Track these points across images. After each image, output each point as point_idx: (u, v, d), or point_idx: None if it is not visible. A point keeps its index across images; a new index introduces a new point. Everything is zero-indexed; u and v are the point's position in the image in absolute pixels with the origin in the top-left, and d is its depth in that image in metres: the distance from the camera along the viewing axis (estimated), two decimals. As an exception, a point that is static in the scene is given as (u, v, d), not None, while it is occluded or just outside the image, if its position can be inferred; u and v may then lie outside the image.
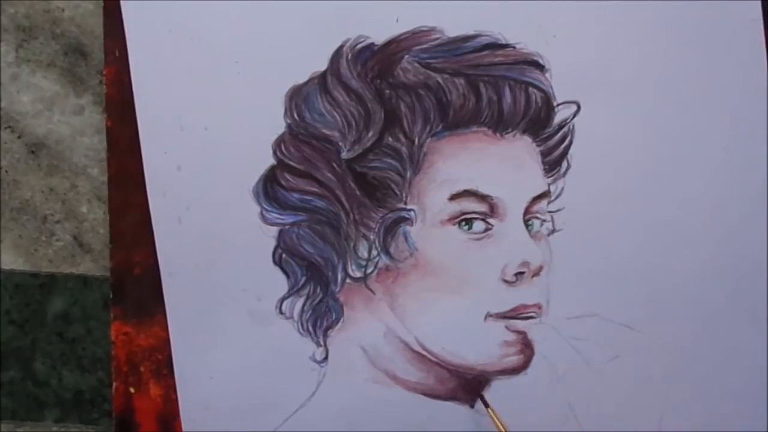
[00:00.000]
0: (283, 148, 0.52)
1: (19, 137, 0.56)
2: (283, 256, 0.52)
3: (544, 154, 0.52)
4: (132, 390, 0.55)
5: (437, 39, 0.51)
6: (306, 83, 0.51)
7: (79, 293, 0.57)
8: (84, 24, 0.55)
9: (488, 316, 0.52)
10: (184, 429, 0.54)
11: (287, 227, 0.52)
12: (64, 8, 0.55)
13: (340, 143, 0.51)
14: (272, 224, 0.52)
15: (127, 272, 0.54)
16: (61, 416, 0.58)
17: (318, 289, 0.53)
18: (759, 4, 0.51)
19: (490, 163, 0.51)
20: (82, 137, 0.56)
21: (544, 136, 0.52)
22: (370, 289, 0.52)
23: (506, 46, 0.51)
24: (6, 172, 0.56)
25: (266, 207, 0.52)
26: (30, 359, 0.58)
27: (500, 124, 0.51)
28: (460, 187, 0.51)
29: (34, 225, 0.57)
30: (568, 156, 0.52)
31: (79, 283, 0.57)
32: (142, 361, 0.54)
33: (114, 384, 0.55)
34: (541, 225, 0.52)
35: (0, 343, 0.58)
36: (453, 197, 0.51)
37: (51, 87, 0.56)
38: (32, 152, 0.56)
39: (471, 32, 0.51)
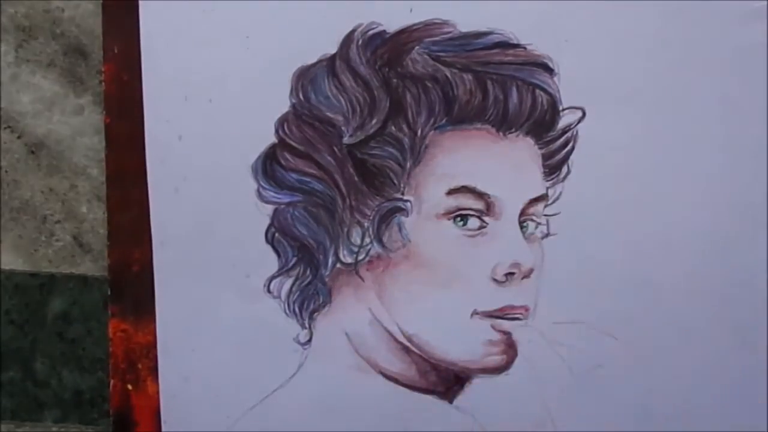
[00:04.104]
0: (285, 127, 0.52)
1: (19, 137, 0.56)
2: (276, 235, 0.52)
3: (546, 158, 0.52)
4: (129, 387, 0.55)
5: (449, 33, 0.51)
6: (314, 65, 0.51)
7: (78, 293, 0.57)
8: (84, 24, 0.55)
9: (475, 313, 0.52)
10: (162, 400, 0.54)
11: (282, 207, 0.52)
12: (64, 8, 0.55)
13: (342, 128, 0.51)
14: (268, 202, 0.52)
15: (126, 270, 0.54)
16: (61, 416, 0.58)
17: (308, 272, 0.53)
18: (765, 28, 0.51)
19: (491, 161, 0.51)
20: (82, 137, 0.56)
21: (547, 139, 0.52)
22: (360, 276, 0.52)
23: (517, 46, 0.51)
24: (6, 172, 0.57)
25: (263, 185, 0.52)
26: (30, 359, 0.58)
27: (504, 124, 0.51)
28: (459, 183, 0.51)
29: (33, 225, 0.57)
30: (569, 161, 0.52)
31: (79, 283, 0.57)
32: (139, 358, 0.54)
33: (111, 381, 0.55)
34: (536, 228, 0.52)
35: (0, 343, 0.58)
36: (450, 192, 0.51)
37: (51, 87, 0.56)
38: (32, 152, 0.56)
39: (483, 29, 0.51)
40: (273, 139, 0.52)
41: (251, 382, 0.54)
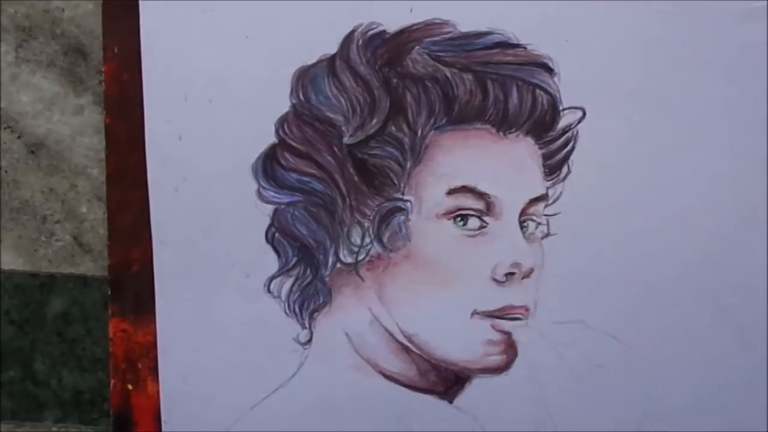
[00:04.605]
0: (285, 127, 0.52)
1: (19, 137, 0.56)
2: (276, 235, 0.52)
3: (546, 158, 0.52)
4: (130, 387, 0.55)
5: (449, 33, 0.51)
6: (314, 65, 0.51)
7: (78, 293, 0.57)
8: (84, 24, 0.55)
9: (475, 313, 0.52)
10: (162, 400, 0.54)
11: (283, 207, 0.52)
12: (64, 8, 0.55)
13: (342, 128, 0.51)
14: (268, 202, 0.52)
15: (126, 269, 0.54)
16: (61, 416, 0.58)
17: (308, 271, 0.53)
18: (765, 28, 0.51)
19: (491, 161, 0.51)
20: (82, 137, 0.56)
21: (547, 139, 0.52)
22: (360, 276, 0.52)
23: (517, 46, 0.51)
24: (6, 172, 0.56)
25: (264, 185, 0.52)
26: (30, 359, 0.58)
27: (504, 124, 0.51)
28: (459, 183, 0.51)
29: (33, 225, 0.57)
30: (569, 161, 0.52)
31: (79, 283, 0.57)
32: (139, 357, 0.54)
33: (111, 381, 0.55)
34: (536, 228, 0.52)
35: (0, 343, 0.58)
36: (451, 192, 0.51)
37: (51, 87, 0.56)
38: (32, 152, 0.56)
39: (483, 29, 0.51)
40: (273, 139, 0.52)
41: (251, 382, 0.54)
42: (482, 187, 0.51)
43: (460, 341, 0.52)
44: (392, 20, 0.51)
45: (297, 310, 0.53)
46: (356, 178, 0.51)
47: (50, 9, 0.56)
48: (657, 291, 0.53)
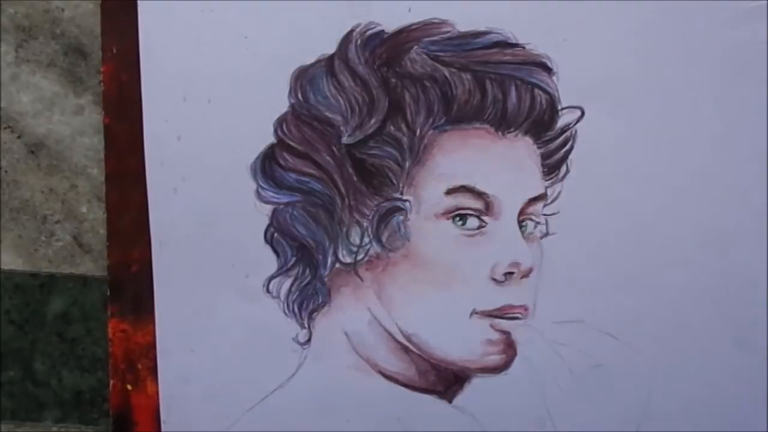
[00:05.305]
0: (284, 127, 0.52)
1: (18, 137, 0.56)
2: (275, 235, 0.52)
3: (544, 157, 0.52)
4: (129, 387, 0.55)
5: (448, 32, 0.51)
6: (313, 65, 0.51)
7: (78, 293, 0.57)
8: (83, 24, 0.55)
9: (474, 313, 0.51)
10: (161, 400, 0.54)
11: (281, 207, 0.52)
12: (64, 8, 0.55)
13: (341, 128, 0.51)
14: (267, 202, 0.52)
15: (125, 270, 0.54)
16: (61, 416, 0.58)
17: (307, 271, 0.53)
18: (765, 28, 0.51)
19: (490, 161, 0.51)
20: (81, 137, 0.56)
21: (546, 138, 0.52)
22: (359, 276, 0.52)
23: (516, 45, 0.51)
24: (6, 172, 0.56)
25: (262, 185, 0.52)
26: (30, 359, 0.58)
27: (503, 123, 0.51)
28: (458, 182, 0.51)
29: (33, 225, 0.57)
30: (568, 161, 0.52)
31: (79, 283, 0.57)
32: (139, 358, 0.54)
33: (111, 381, 0.55)
34: (535, 227, 0.52)
35: (0, 343, 0.58)
36: (449, 191, 0.51)
37: (51, 87, 0.56)
38: (32, 152, 0.56)
39: (482, 29, 0.51)
40: (272, 139, 0.52)
41: (250, 382, 0.54)
42: (481, 187, 0.51)
43: (460, 341, 0.52)
44: (390, 20, 0.51)
45: (296, 310, 0.53)
46: (355, 178, 0.51)
47: (50, 9, 0.56)
48: (656, 290, 0.53)
